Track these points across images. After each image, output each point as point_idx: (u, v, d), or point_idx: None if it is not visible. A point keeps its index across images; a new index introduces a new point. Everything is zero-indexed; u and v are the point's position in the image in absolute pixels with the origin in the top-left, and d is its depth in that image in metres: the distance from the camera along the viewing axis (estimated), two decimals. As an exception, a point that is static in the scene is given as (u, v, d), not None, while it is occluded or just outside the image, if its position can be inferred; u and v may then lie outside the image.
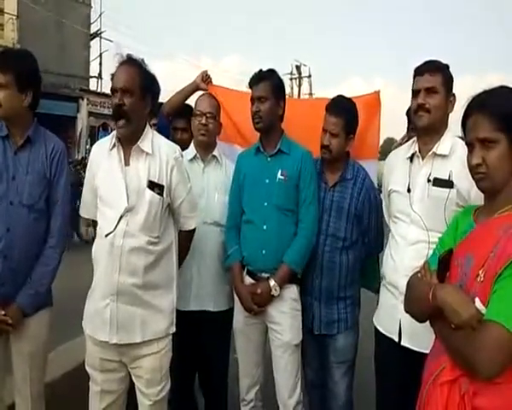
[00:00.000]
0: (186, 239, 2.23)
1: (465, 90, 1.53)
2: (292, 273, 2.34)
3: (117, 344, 1.96)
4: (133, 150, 2.01)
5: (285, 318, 2.35)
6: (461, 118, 1.50)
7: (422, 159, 2.09)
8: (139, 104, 1.98)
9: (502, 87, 1.45)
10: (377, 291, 2.33)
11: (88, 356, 2.06)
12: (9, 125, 2.09)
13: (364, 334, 2.50)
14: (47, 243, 2.11)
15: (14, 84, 2.02)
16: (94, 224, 2.15)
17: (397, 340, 2.06)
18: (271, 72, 2.45)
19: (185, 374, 2.61)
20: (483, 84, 1.48)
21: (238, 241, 2.44)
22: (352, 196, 2.39)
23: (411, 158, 2.13)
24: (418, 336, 1.86)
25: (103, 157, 2.05)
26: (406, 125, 3.13)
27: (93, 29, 21.56)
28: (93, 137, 18.90)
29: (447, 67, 2.06)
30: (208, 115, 2.54)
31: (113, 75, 2.01)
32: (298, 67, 33.52)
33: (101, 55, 22.33)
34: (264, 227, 2.35)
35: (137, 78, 1.97)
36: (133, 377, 2.06)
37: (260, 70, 2.46)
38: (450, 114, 2.09)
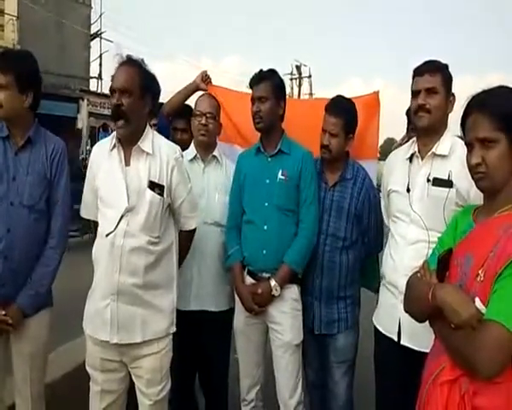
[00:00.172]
0: (186, 239, 2.23)
1: (465, 89, 1.53)
2: (292, 273, 2.34)
3: (117, 344, 1.96)
4: (134, 151, 2.01)
5: (286, 318, 2.35)
6: (460, 118, 1.50)
7: (422, 159, 2.09)
8: (138, 104, 1.97)
9: (501, 87, 1.45)
10: (377, 291, 2.33)
11: (88, 356, 2.06)
12: (10, 125, 2.09)
13: (364, 334, 2.50)
14: (47, 243, 2.11)
15: (14, 84, 2.02)
16: (95, 224, 2.14)
17: (396, 339, 2.06)
18: (272, 72, 2.46)
19: (185, 374, 2.61)
20: (483, 84, 1.48)
21: (239, 241, 2.44)
22: (352, 196, 2.39)
23: (411, 158, 2.13)
24: (418, 336, 1.86)
25: (104, 158, 2.05)
26: (406, 126, 3.13)
27: (93, 30, 21.57)
28: (93, 137, 18.91)
29: (446, 66, 2.07)
30: (208, 115, 2.54)
31: (113, 76, 2.01)
32: (298, 68, 33.53)
33: (101, 55, 22.36)
34: (265, 227, 2.35)
35: (136, 78, 1.97)
36: (133, 377, 2.06)
37: (261, 70, 2.46)
38: (450, 114, 2.09)
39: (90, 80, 21.56)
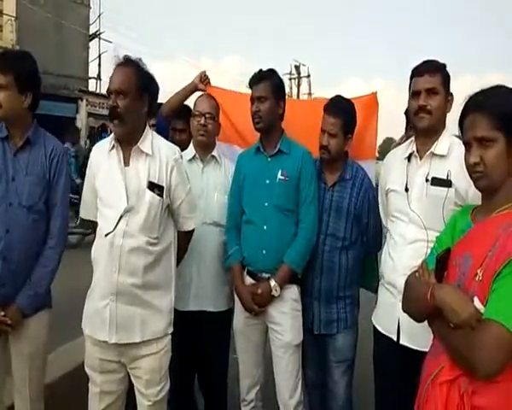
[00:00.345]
0: (185, 239, 2.23)
1: (464, 89, 1.53)
2: (292, 273, 2.34)
3: (116, 344, 1.96)
4: (133, 151, 2.01)
5: (286, 318, 2.35)
6: (458, 117, 1.50)
7: (420, 159, 2.09)
8: (134, 105, 1.97)
9: (499, 86, 1.46)
10: (376, 290, 2.33)
11: (87, 357, 2.06)
12: (9, 126, 2.09)
13: (364, 333, 2.50)
14: (46, 243, 2.11)
15: (14, 85, 2.02)
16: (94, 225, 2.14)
17: (395, 339, 2.07)
18: (271, 72, 2.46)
19: (185, 374, 2.61)
20: (482, 84, 1.48)
21: (238, 241, 2.44)
22: (351, 196, 2.39)
23: (409, 158, 2.14)
24: (417, 335, 1.86)
25: (103, 158, 2.05)
26: (405, 126, 3.13)
27: (92, 30, 21.57)
28: (92, 137, 18.89)
29: (445, 66, 2.07)
30: (207, 116, 2.54)
31: (110, 77, 2.01)
32: (297, 67, 33.57)
33: (100, 55, 22.36)
34: (265, 227, 2.35)
35: (132, 79, 1.97)
36: (132, 378, 2.06)
37: (260, 70, 2.46)
38: (448, 114, 2.10)
39: (89, 81, 21.55)
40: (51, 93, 15.30)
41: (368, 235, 2.46)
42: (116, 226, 1.93)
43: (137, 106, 1.99)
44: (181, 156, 2.13)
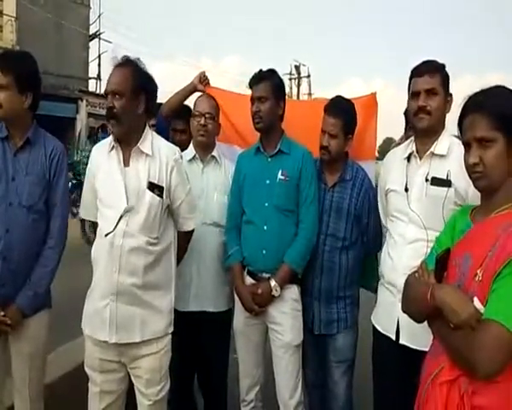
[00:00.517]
0: (184, 240, 2.23)
1: (464, 90, 1.53)
2: (292, 273, 2.34)
3: (116, 344, 1.97)
4: (133, 152, 2.01)
5: (286, 318, 2.35)
6: (457, 118, 1.50)
7: (420, 159, 2.09)
8: (130, 105, 1.98)
9: (498, 87, 1.46)
10: (376, 290, 2.33)
11: (87, 357, 2.06)
12: (9, 126, 2.09)
13: (364, 333, 2.50)
14: (46, 243, 2.11)
15: (14, 85, 2.02)
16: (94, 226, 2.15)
17: (395, 338, 2.07)
18: (271, 72, 2.46)
19: (185, 374, 2.61)
20: (482, 84, 1.48)
21: (238, 241, 2.44)
22: (352, 197, 2.40)
23: (408, 158, 2.14)
24: (416, 335, 1.86)
25: (103, 159, 2.06)
26: (404, 126, 3.13)
27: (92, 30, 21.60)
28: (92, 138, 18.90)
29: (444, 66, 2.07)
30: (207, 116, 2.54)
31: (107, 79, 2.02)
32: (297, 67, 33.57)
33: (100, 56, 22.38)
34: (265, 228, 2.35)
35: (128, 79, 1.97)
36: (132, 378, 2.06)
37: (260, 70, 2.46)
38: (447, 114, 2.10)
39: (89, 81, 21.57)
40: (51, 93, 15.32)
41: (368, 235, 2.46)
42: (116, 226, 1.93)
43: (134, 106, 1.99)
44: (181, 157, 2.13)
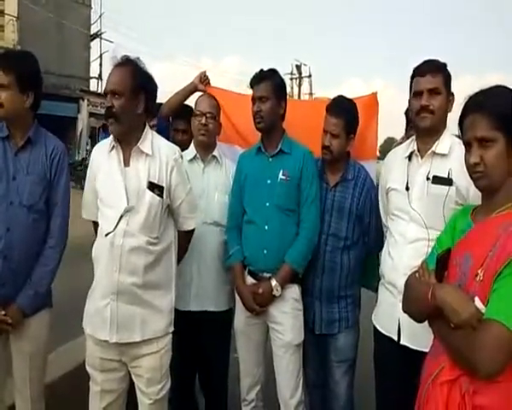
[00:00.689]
0: (185, 239, 2.23)
1: (464, 89, 1.53)
2: (293, 273, 2.34)
3: (117, 343, 1.97)
4: (133, 151, 2.01)
5: (286, 318, 2.35)
6: (458, 117, 1.50)
7: (421, 158, 2.09)
8: (129, 105, 1.97)
9: (498, 86, 1.46)
10: (377, 290, 2.33)
11: (88, 356, 2.06)
12: (10, 125, 2.10)
13: (365, 333, 2.50)
14: (47, 243, 2.11)
15: (15, 84, 2.02)
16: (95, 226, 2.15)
17: (396, 339, 2.06)
18: (272, 71, 2.45)
19: (185, 373, 2.61)
20: (483, 84, 1.48)
21: (239, 241, 2.44)
22: (353, 197, 2.39)
23: (410, 157, 2.14)
24: (417, 335, 1.85)
25: (103, 158, 2.06)
26: (405, 126, 3.13)
27: (93, 30, 21.65)
28: (93, 137, 18.92)
29: (446, 66, 2.07)
30: (208, 115, 2.54)
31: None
32: (298, 67, 33.57)
33: (101, 55, 22.42)
34: (266, 227, 2.35)
35: (128, 79, 1.97)
36: (133, 377, 2.07)
37: (261, 70, 2.46)
38: (448, 113, 2.10)
39: (91, 80, 21.60)
40: (53, 93, 15.34)
41: (369, 235, 2.46)
42: (116, 226, 1.94)
43: (133, 106, 1.99)
44: (181, 156, 2.13)
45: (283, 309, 2.35)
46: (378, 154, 3.04)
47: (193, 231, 2.24)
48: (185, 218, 2.16)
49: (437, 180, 2.00)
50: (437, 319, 1.39)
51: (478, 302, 1.29)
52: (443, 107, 2.04)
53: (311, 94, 33.04)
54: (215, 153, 2.60)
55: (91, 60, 21.61)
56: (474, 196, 1.73)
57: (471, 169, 1.43)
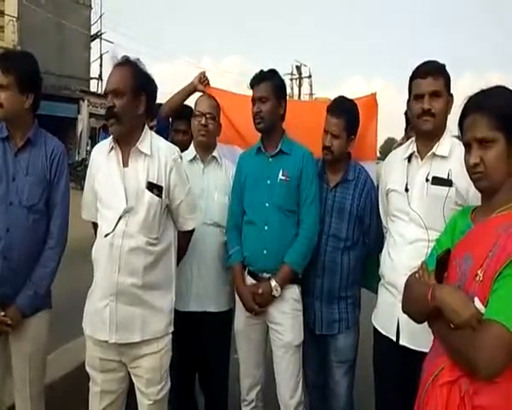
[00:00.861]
0: (184, 240, 2.23)
1: (464, 90, 1.53)
2: (293, 273, 2.34)
3: (116, 344, 1.97)
4: (132, 152, 2.01)
5: (286, 318, 2.35)
6: (458, 118, 1.50)
7: (421, 159, 2.09)
8: (130, 105, 1.97)
9: (498, 87, 1.46)
10: (377, 291, 2.33)
11: (88, 357, 2.06)
12: (10, 126, 2.10)
13: (365, 334, 2.50)
14: (46, 244, 2.11)
15: (15, 85, 2.03)
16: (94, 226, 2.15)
17: (395, 339, 2.06)
18: (272, 72, 2.45)
19: (185, 374, 2.61)
20: (483, 85, 1.48)
21: (239, 241, 2.44)
22: (354, 197, 2.39)
23: (409, 158, 2.13)
24: (416, 336, 1.86)
25: (103, 159, 2.06)
26: (404, 126, 3.13)
27: (93, 30, 21.65)
28: (94, 138, 18.92)
29: (445, 67, 2.07)
30: (208, 116, 2.54)
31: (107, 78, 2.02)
32: (298, 68, 33.59)
33: (101, 56, 22.43)
34: (266, 228, 2.35)
35: (129, 79, 1.97)
36: (133, 377, 2.06)
37: (261, 70, 2.46)
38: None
39: (91, 81, 21.60)
40: (53, 93, 15.35)
41: (370, 236, 2.46)
42: (115, 227, 1.94)
43: (134, 106, 1.99)
44: (180, 157, 2.13)
45: (283, 309, 2.35)
46: (378, 154, 3.04)
47: (192, 231, 2.24)
48: (185, 218, 2.16)
49: (436, 181, 2.00)
50: (437, 320, 1.39)
51: (478, 303, 1.29)
52: (444, 109, 2.03)
53: (311, 94, 33.06)
54: (215, 153, 2.60)
55: (91, 60, 21.63)
56: (474, 196, 1.73)
57: (471, 170, 1.43)
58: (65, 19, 18.44)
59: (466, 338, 1.27)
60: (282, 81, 2.51)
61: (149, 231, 1.99)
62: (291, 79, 33.06)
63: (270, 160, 2.42)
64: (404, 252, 2.05)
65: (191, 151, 2.60)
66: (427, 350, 1.54)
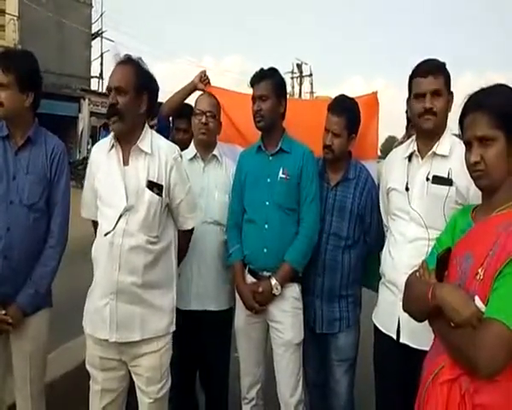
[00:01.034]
0: (185, 239, 2.23)
1: (465, 89, 1.53)
2: (293, 272, 2.34)
3: (116, 342, 1.97)
4: (132, 150, 2.01)
5: (286, 316, 2.35)
6: (458, 116, 1.50)
7: (422, 158, 2.08)
8: (133, 103, 1.98)
9: (499, 85, 1.46)
10: (377, 290, 2.33)
11: (88, 355, 2.06)
12: (10, 125, 2.10)
13: (365, 333, 2.50)
14: (47, 242, 2.11)
15: (15, 84, 2.03)
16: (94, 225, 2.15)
17: (395, 338, 2.06)
18: (273, 70, 2.45)
19: (186, 372, 2.61)
20: (483, 84, 1.48)
21: (239, 240, 2.44)
22: (355, 196, 2.39)
23: (410, 157, 2.13)
24: (417, 334, 1.86)
25: (103, 157, 2.06)
26: (406, 125, 3.12)
27: (94, 29, 21.65)
28: (94, 136, 18.93)
29: (445, 65, 2.06)
30: (208, 114, 2.54)
31: (110, 75, 2.02)
32: (299, 66, 33.61)
33: (102, 54, 22.44)
34: (266, 226, 2.35)
35: (132, 77, 1.98)
36: (133, 376, 2.07)
37: (261, 69, 2.45)
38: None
39: (92, 80, 21.61)
40: (53, 92, 15.36)
41: (370, 234, 2.46)
42: (116, 225, 1.94)
43: (137, 104, 1.99)
44: (180, 156, 2.13)
45: (283, 308, 2.35)
46: (379, 153, 3.04)
47: (192, 230, 2.24)
48: (184, 217, 2.16)
49: (437, 180, 2.00)
50: (437, 319, 1.40)
51: (478, 301, 1.29)
52: (444, 108, 2.03)
53: (311, 93, 33.08)
54: (215, 152, 2.60)
55: (92, 59, 21.64)
56: (474, 195, 1.73)
57: (471, 168, 1.43)
58: (65, 17, 18.44)
59: (466, 337, 1.27)
60: (283, 79, 2.50)
61: (149, 229, 1.99)
62: (292, 78, 33.11)
63: (271, 158, 2.41)
64: (405, 251, 2.05)
65: (191, 150, 2.60)
66: (427, 349, 1.54)
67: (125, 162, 2.02)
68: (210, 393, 2.70)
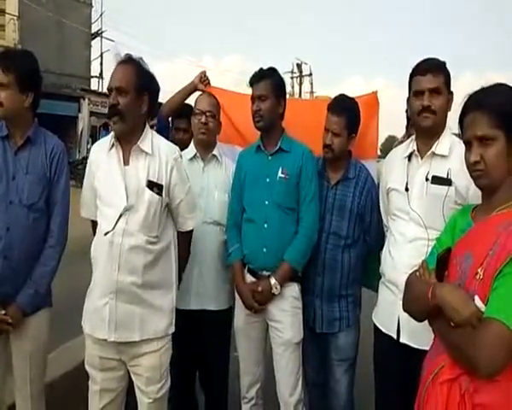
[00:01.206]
0: (185, 241, 2.22)
1: (465, 89, 1.53)
2: (292, 271, 2.34)
3: (116, 342, 1.97)
4: (133, 150, 2.01)
5: (286, 316, 2.35)
6: (458, 116, 1.50)
7: (421, 158, 2.08)
8: (134, 103, 1.98)
9: (499, 85, 1.46)
10: (377, 289, 2.33)
11: (87, 355, 2.06)
12: (10, 125, 2.10)
13: (365, 332, 2.50)
14: (46, 242, 2.11)
15: (15, 84, 2.03)
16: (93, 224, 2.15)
17: (395, 337, 2.06)
18: (272, 70, 2.45)
19: (185, 372, 2.61)
20: (483, 83, 1.48)
21: (239, 239, 2.44)
22: (355, 195, 2.39)
23: (409, 157, 2.13)
24: (417, 334, 1.86)
25: (103, 157, 2.05)
26: (406, 124, 3.13)
27: (94, 29, 21.65)
28: (94, 136, 18.94)
29: (445, 64, 2.06)
30: (208, 114, 2.54)
31: (110, 75, 2.01)
32: (299, 66, 33.61)
33: (102, 54, 22.45)
34: (265, 226, 2.35)
35: (133, 77, 1.97)
36: (132, 376, 2.06)
37: (261, 69, 2.45)
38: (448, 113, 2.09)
39: (91, 79, 21.62)
40: (53, 92, 15.36)
41: (370, 234, 2.46)
42: (116, 225, 1.93)
43: (138, 104, 1.99)
44: (180, 156, 2.13)
45: (283, 307, 2.35)
46: (379, 153, 3.04)
47: (191, 232, 2.24)
48: (184, 218, 2.16)
49: (436, 180, 2.00)
50: (437, 318, 1.39)
51: (478, 301, 1.29)
52: (444, 106, 2.03)
53: (311, 92, 33.08)
54: (215, 152, 2.60)
55: (92, 59, 21.65)
56: (474, 195, 1.74)
57: (471, 168, 1.43)
58: (65, 17, 18.44)
59: (466, 336, 1.27)
60: (282, 79, 2.50)
61: (149, 229, 1.99)
62: (292, 78, 33.11)
63: (270, 158, 2.41)
64: (405, 250, 2.05)
65: (191, 150, 2.60)
66: (427, 348, 1.54)
67: (126, 162, 2.01)
68: (209, 393, 2.70)
